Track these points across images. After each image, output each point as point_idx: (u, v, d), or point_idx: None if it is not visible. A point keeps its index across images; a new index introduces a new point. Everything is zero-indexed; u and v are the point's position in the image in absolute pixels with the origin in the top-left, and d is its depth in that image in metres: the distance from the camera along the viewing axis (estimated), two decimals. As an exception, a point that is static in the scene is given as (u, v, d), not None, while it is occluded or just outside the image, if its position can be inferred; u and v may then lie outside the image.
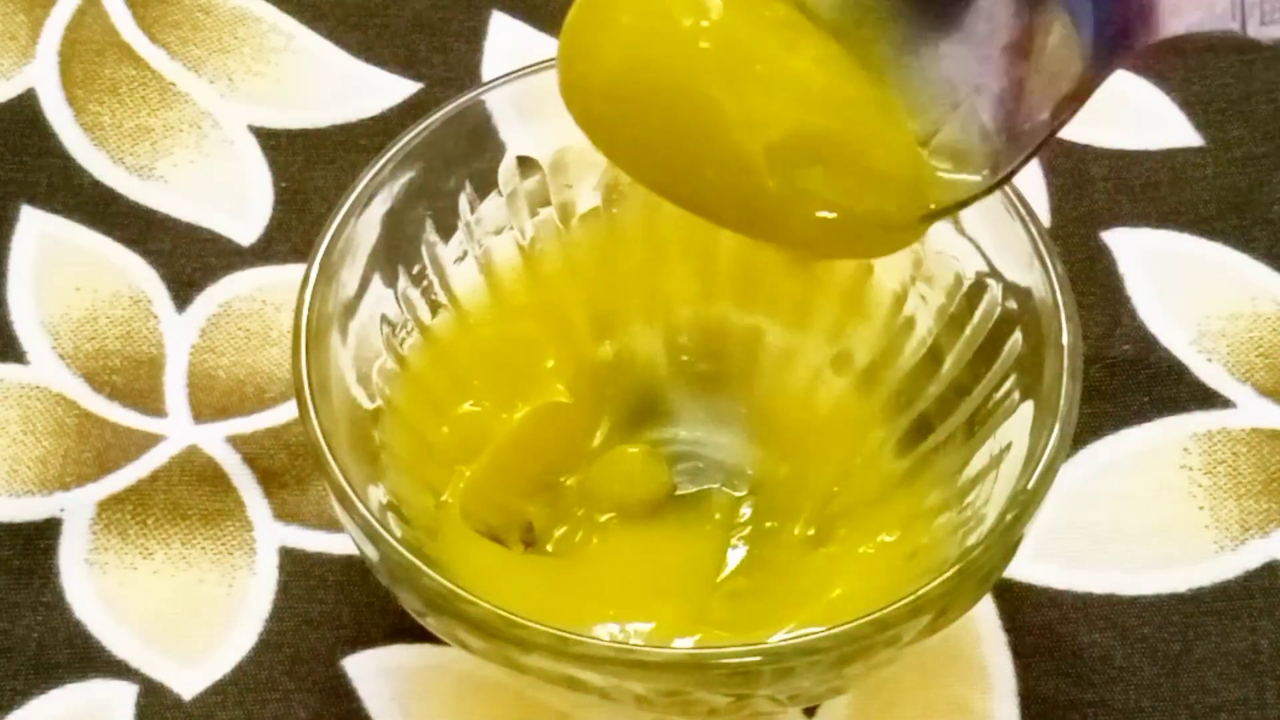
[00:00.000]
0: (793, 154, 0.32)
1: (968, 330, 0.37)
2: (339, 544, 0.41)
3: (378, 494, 0.35)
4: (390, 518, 0.35)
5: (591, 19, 0.33)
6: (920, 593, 0.32)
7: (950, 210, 0.33)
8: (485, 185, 0.39)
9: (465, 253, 0.39)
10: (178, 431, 0.43)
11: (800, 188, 0.32)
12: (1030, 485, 0.33)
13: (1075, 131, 0.47)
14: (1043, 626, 0.40)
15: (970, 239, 0.37)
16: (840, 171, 0.32)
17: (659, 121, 0.33)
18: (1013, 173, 0.32)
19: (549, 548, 0.39)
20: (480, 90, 0.38)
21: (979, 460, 0.36)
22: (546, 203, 0.39)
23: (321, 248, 0.36)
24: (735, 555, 0.39)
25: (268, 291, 0.45)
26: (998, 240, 0.36)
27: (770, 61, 0.32)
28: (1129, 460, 0.42)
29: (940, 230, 0.37)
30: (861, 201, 0.33)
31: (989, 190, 0.33)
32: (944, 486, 0.37)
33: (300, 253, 0.44)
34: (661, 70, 0.32)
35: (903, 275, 0.38)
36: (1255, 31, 0.29)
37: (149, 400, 0.43)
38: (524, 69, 0.38)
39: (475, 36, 0.49)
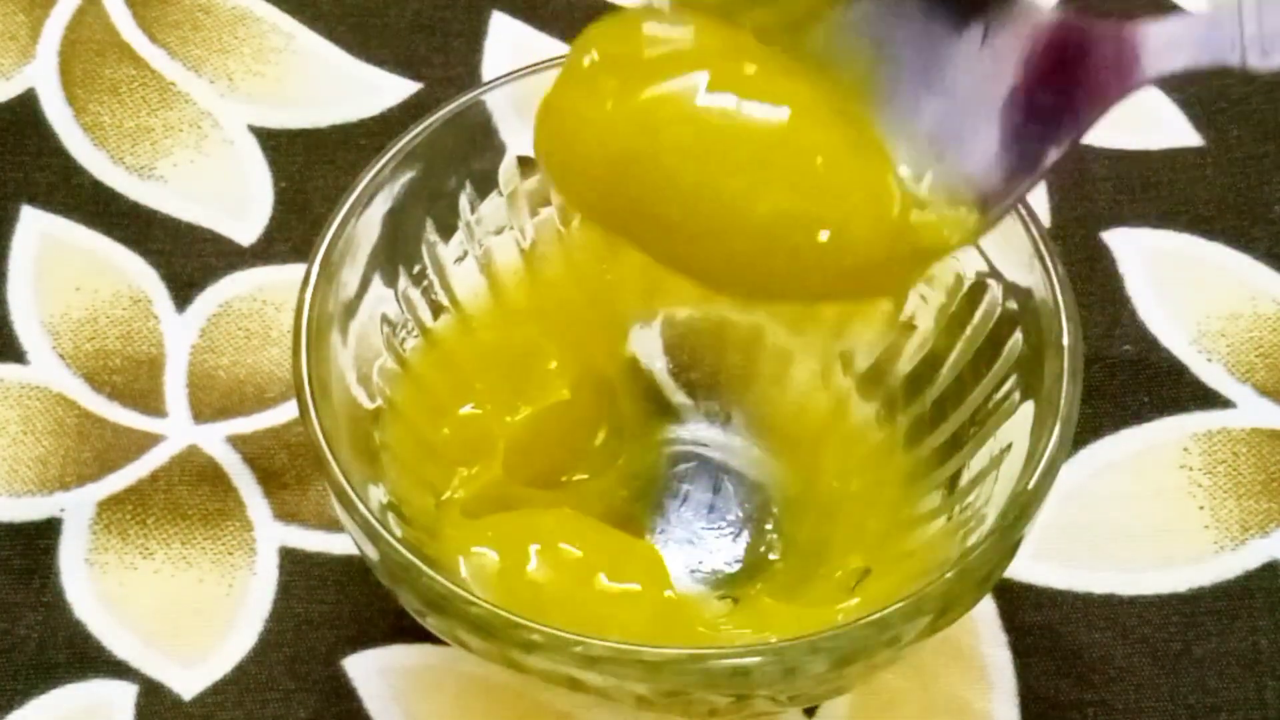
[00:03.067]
0: (776, 224, 0.32)
1: (968, 330, 0.37)
2: (339, 544, 0.41)
3: (378, 494, 0.35)
4: (390, 518, 0.35)
5: (570, 106, 0.33)
6: (920, 593, 0.32)
7: (940, 252, 0.33)
8: (485, 185, 0.39)
9: (466, 253, 0.39)
10: (178, 431, 0.42)
11: (785, 244, 0.32)
12: (1030, 485, 0.33)
13: (1075, 131, 0.47)
14: (1043, 626, 0.40)
15: (970, 239, 0.37)
16: (820, 222, 0.32)
17: (641, 204, 0.33)
18: (1001, 215, 0.33)
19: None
20: (480, 90, 0.38)
21: (979, 460, 0.36)
22: (547, 203, 0.39)
23: (321, 248, 0.36)
24: (735, 556, 0.39)
25: (268, 291, 0.45)
26: (998, 240, 0.36)
27: (749, 139, 0.32)
28: (1129, 460, 0.42)
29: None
30: (845, 251, 0.32)
31: (978, 233, 0.33)
32: (944, 487, 0.37)
33: (300, 253, 0.44)
34: (644, 162, 0.32)
35: (903, 275, 0.38)
36: (1256, 62, 0.29)
37: (149, 400, 0.43)
38: (524, 69, 0.38)
39: (475, 36, 0.49)
